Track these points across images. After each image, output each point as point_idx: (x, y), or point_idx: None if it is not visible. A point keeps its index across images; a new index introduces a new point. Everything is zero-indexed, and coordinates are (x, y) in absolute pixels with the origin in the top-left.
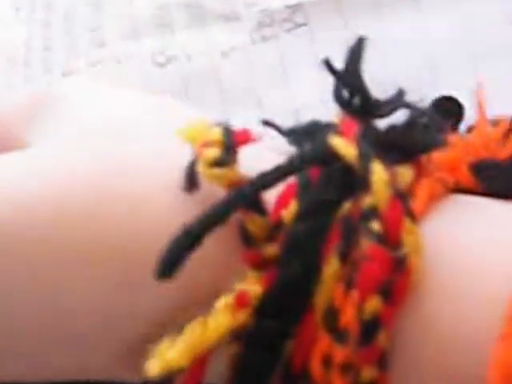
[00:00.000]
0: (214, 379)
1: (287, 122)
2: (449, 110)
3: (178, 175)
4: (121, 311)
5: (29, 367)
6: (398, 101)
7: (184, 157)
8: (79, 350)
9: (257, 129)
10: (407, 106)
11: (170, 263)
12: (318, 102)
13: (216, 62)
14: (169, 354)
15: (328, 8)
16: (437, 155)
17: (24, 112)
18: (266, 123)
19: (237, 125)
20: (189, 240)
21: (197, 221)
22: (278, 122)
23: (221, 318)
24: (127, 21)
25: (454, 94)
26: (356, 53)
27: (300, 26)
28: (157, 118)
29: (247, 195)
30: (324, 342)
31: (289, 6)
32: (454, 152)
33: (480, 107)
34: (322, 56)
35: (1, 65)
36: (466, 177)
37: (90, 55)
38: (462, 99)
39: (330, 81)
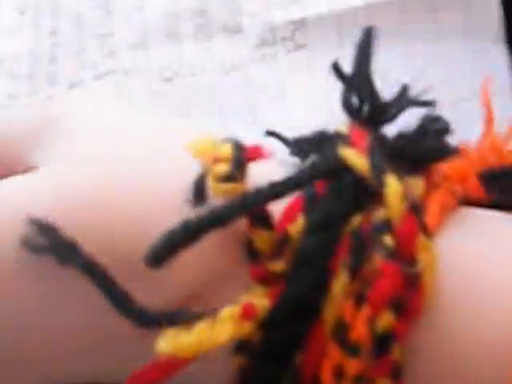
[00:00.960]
0: None
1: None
2: None
3: (182, 193)
4: None
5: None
6: (403, 99)
7: (190, 174)
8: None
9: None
10: (415, 103)
11: (162, 252)
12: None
13: (217, 80)
14: (179, 340)
15: (330, 27)
16: (447, 164)
17: (29, 132)
18: (271, 134)
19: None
20: (184, 232)
21: (196, 217)
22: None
23: (226, 326)
24: (136, 28)
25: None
26: (365, 50)
27: (299, 47)
28: (161, 135)
29: (251, 202)
30: (335, 355)
31: (292, 22)
32: (463, 160)
33: (487, 112)
34: (319, 80)
35: (4, 75)
36: (475, 188)
37: (97, 65)
38: None
39: (327, 106)
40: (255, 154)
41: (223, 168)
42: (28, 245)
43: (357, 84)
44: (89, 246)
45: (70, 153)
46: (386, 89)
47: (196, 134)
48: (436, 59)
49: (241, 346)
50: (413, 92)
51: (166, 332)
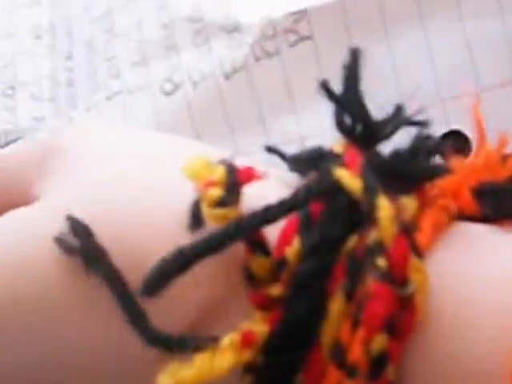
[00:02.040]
0: None
1: (292, 148)
2: (457, 143)
3: (179, 218)
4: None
5: None
6: (398, 118)
7: (187, 198)
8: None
9: (261, 155)
10: (409, 123)
11: (156, 281)
12: (324, 127)
13: (220, 86)
14: (181, 374)
15: (334, 15)
16: (440, 180)
17: (31, 162)
18: (271, 150)
19: (243, 156)
20: (178, 262)
21: (189, 245)
22: (283, 147)
23: (227, 355)
24: (136, 46)
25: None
26: (352, 70)
27: (304, 39)
28: (162, 158)
29: (246, 227)
30: (334, 376)
31: (292, 14)
32: (457, 177)
33: (478, 128)
34: (327, 75)
35: (28, 98)
36: (468, 203)
37: (107, 87)
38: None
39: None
40: (248, 176)
41: (216, 193)
42: (60, 243)
43: (348, 104)
44: (80, 285)
45: (68, 183)
46: (405, 80)
47: (192, 153)
48: (458, 42)
49: (249, 367)
50: (407, 111)
51: (168, 366)
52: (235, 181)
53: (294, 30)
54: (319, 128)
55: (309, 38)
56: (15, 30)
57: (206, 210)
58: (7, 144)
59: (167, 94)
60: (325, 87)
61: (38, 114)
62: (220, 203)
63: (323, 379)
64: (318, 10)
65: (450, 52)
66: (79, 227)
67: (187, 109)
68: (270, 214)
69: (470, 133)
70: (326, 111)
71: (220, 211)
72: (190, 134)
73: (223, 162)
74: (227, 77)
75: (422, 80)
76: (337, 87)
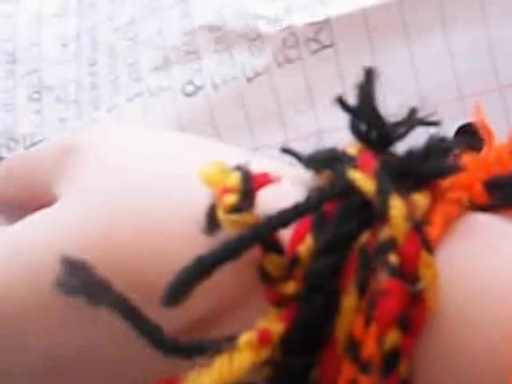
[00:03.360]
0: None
1: (309, 144)
2: (472, 136)
3: (195, 223)
4: None
5: None
6: (411, 120)
7: (203, 203)
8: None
9: (278, 152)
10: (422, 123)
11: (177, 291)
12: (340, 124)
13: (241, 88)
14: (201, 381)
15: (357, 24)
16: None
17: (50, 165)
18: (286, 151)
19: (261, 153)
20: (198, 270)
21: (208, 253)
22: (303, 146)
23: (245, 355)
24: (158, 51)
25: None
26: (367, 87)
27: (325, 47)
28: (180, 161)
29: (262, 232)
30: (348, 372)
31: (314, 23)
32: (469, 170)
33: (484, 126)
34: (348, 81)
35: (53, 102)
36: (480, 195)
37: (129, 90)
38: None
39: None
40: (263, 181)
41: (232, 199)
42: (60, 285)
43: (363, 115)
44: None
45: (87, 184)
46: (425, 85)
47: (211, 156)
48: (480, 49)
49: (265, 363)
50: (422, 111)
51: (188, 375)
52: (250, 187)
53: (316, 39)
54: (336, 125)
55: (330, 46)
56: (43, 38)
57: (222, 216)
58: (32, 146)
59: (188, 95)
60: (340, 101)
61: (62, 116)
62: (235, 209)
63: (338, 375)
64: (340, 20)
65: (471, 56)
66: (76, 267)
67: (208, 109)
68: (284, 218)
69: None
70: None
71: (235, 217)
72: (210, 134)
73: (239, 168)
74: (249, 80)
75: (442, 82)
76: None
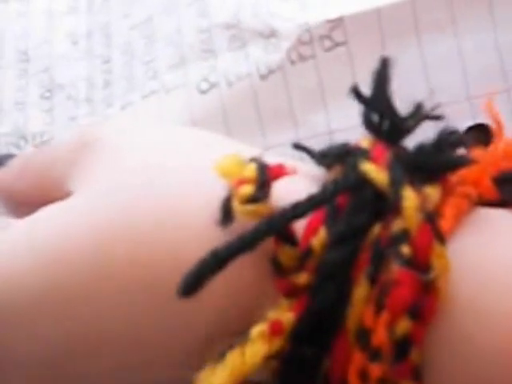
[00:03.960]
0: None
1: (320, 142)
2: (482, 136)
3: (210, 215)
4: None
5: None
6: (420, 113)
7: (217, 195)
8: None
9: (290, 150)
10: (431, 117)
11: (193, 282)
12: (352, 123)
13: (255, 86)
14: (214, 380)
15: (370, 23)
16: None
17: (70, 157)
18: (298, 147)
19: (274, 151)
20: (214, 262)
21: (224, 246)
22: (314, 144)
23: (257, 346)
24: (175, 49)
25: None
26: (382, 76)
27: (339, 45)
28: (196, 155)
29: (276, 224)
30: (359, 360)
31: (328, 21)
32: (478, 165)
33: (495, 121)
34: (359, 79)
35: (64, 100)
36: (489, 190)
37: (144, 87)
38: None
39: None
40: (278, 172)
41: (248, 189)
42: None
43: (376, 105)
44: (121, 274)
45: (102, 177)
46: (435, 83)
47: (224, 151)
48: (488, 50)
49: (275, 354)
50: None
51: (201, 372)
52: (266, 178)
53: (330, 36)
54: (347, 123)
55: (343, 43)
56: (53, 36)
57: (238, 207)
58: (41, 144)
59: (203, 92)
60: (354, 90)
61: (73, 114)
62: (251, 200)
63: (349, 364)
64: (354, 18)
65: (480, 55)
66: None
67: (221, 106)
68: (299, 209)
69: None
70: (355, 109)
71: (251, 207)
72: (222, 131)
73: (254, 160)
74: (263, 77)
75: (452, 82)
76: (369, 90)
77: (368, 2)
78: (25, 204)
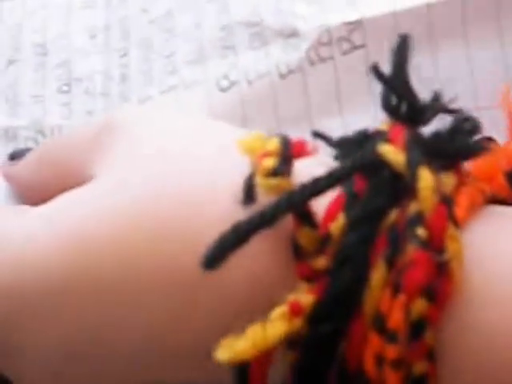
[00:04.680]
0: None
1: None
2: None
3: (232, 194)
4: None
5: None
6: (438, 103)
7: (240, 173)
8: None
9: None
10: (449, 111)
11: (215, 256)
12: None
13: (274, 85)
14: (237, 346)
15: (387, 27)
16: (475, 164)
17: (91, 142)
18: (317, 135)
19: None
20: (235, 237)
21: (245, 221)
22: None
23: (277, 325)
24: (195, 45)
25: None
26: (401, 55)
27: (357, 48)
28: (217, 141)
29: (297, 199)
30: (375, 342)
31: (348, 23)
32: (491, 160)
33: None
34: (375, 83)
35: (81, 93)
36: (501, 187)
37: (162, 82)
38: None
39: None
40: (301, 149)
41: (271, 162)
42: None
43: (395, 85)
44: (143, 258)
45: (124, 162)
46: (446, 89)
47: (244, 135)
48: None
49: (292, 343)
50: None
51: (223, 341)
52: (289, 152)
53: (348, 38)
54: (362, 126)
55: (362, 46)
56: (70, 30)
57: (261, 180)
58: None
59: (223, 90)
60: (375, 69)
61: (90, 108)
62: (274, 173)
63: (365, 347)
64: (372, 22)
65: (489, 64)
66: None
67: (240, 105)
68: (318, 185)
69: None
70: (369, 113)
71: (274, 181)
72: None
73: (277, 136)
74: (282, 77)
75: (461, 89)
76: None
77: (385, 6)
78: (43, 197)
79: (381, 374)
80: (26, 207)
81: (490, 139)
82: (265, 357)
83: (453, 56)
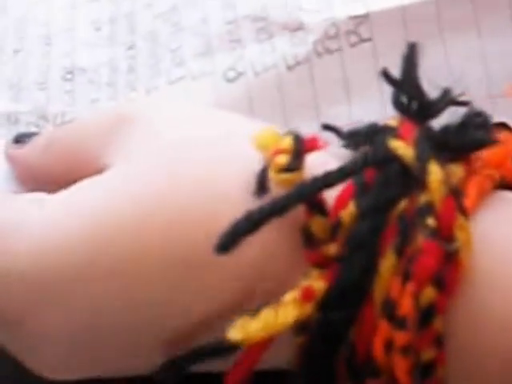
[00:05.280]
0: (282, 365)
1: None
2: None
3: (245, 185)
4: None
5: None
6: (447, 97)
7: (253, 166)
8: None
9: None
10: (460, 103)
11: (228, 241)
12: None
13: (281, 76)
14: (248, 327)
15: (395, 20)
16: (485, 152)
17: (103, 131)
18: (326, 127)
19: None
20: (247, 224)
21: (258, 209)
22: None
23: (289, 309)
24: (201, 39)
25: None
26: (411, 60)
27: (364, 41)
28: (227, 129)
29: (308, 191)
30: (384, 329)
31: (355, 17)
32: (501, 149)
33: None
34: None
35: (86, 84)
36: (511, 172)
37: (169, 73)
38: None
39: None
40: (313, 145)
41: (284, 159)
42: None
43: (406, 87)
44: (159, 242)
45: (141, 153)
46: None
47: (259, 127)
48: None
49: (301, 327)
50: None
51: (236, 321)
52: (301, 149)
53: (356, 32)
54: (369, 118)
55: (369, 40)
56: (75, 23)
57: (273, 176)
58: (62, 124)
59: (229, 81)
60: (384, 73)
61: (95, 96)
62: (286, 169)
63: (374, 334)
64: (379, 15)
65: (502, 55)
66: None
67: (247, 95)
68: (329, 179)
69: None
70: (376, 105)
71: (286, 176)
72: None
73: (290, 133)
74: (290, 68)
75: (473, 81)
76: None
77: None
78: (46, 182)
79: (389, 361)
80: (41, 194)
81: (503, 125)
82: (268, 341)
83: (464, 47)
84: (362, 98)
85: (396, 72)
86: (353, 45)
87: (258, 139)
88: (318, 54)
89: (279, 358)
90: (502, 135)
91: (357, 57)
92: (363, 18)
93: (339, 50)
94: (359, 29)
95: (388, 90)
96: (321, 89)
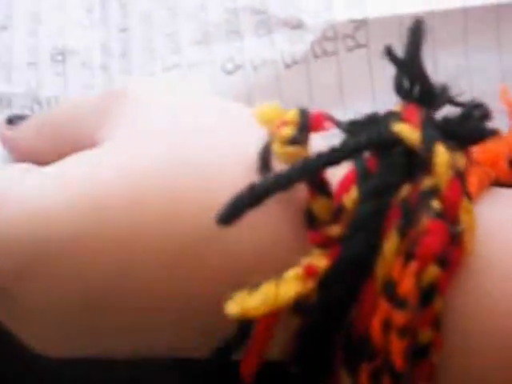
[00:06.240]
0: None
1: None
2: None
3: (248, 163)
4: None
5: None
6: (447, 91)
7: (255, 142)
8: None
9: None
10: (458, 103)
11: (230, 213)
12: None
13: (279, 73)
14: (247, 302)
15: (391, 28)
16: (479, 150)
17: (97, 109)
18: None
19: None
20: (250, 196)
21: (261, 182)
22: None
23: (291, 285)
24: (199, 26)
25: None
26: (415, 38)
27: (360, 46)
28: (228, 108)
29: (311, 166)
30: (384, 308)
31: (353, 21)
32: (494, 147)
33: (510, 103)
34: (376, 84)
35: (78, 67)
36: (504, 172)
37: (165, 59)
38: None
39: (382, 105)
40: (318, 121)
41: (288, 131)
42: None
43: (408, 67)
44: (155, 217)
45: (134, 127)
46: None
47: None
48: (498, 72)
49: (298, 307)
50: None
51: (235, 295)
52: (307, 122)
53: (353, 36)
54: None
55: (364, 46)
56: (66, 3)
57: (278, 148)
58: None
59: (228, 72)
60: (388, 51)
61: (88, 81)
62: (291, 142)
63: (374, 313)
64: (376, 22)
65: (486, 75)
66: None
67: (246, 89)
68: (334, 155)
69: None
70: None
71: (291, 149)
72: None
73: (296, 107)
74: (287, 66)
75: (491, 79)
76: (387, 97)
77: (391, 8)
78: (41, 163)
79: (386, 342)
80: (30, 165)
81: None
82: (272, 317)
83: (452, 65)
84: (354, 103)
85: (389, 80)
86: (349, 49)
87: (261, 114)
88: (315, 55)
89: (273, 347)
90: (495, 138)
91: (352, 61)
92: (361, 23)
93: (336, 53)
94: (356, 34)
95: (381, 97)
96: (316, 91)
